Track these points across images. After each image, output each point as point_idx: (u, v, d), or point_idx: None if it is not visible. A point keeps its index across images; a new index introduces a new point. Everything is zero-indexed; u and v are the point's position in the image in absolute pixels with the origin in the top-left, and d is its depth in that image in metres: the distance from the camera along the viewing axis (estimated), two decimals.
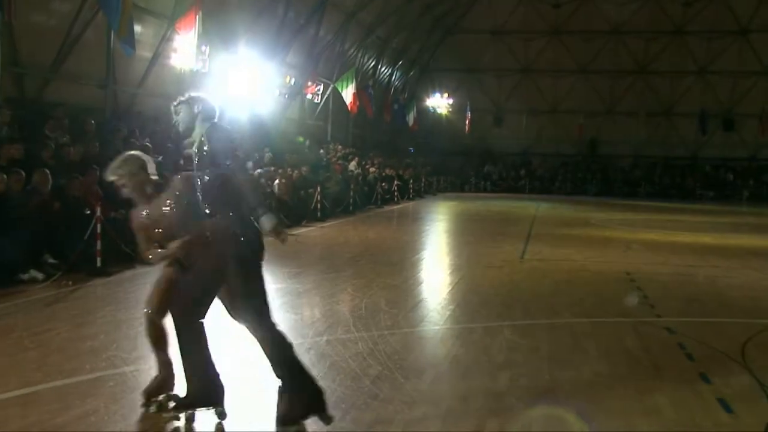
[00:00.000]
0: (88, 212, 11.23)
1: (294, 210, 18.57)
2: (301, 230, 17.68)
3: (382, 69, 37.47)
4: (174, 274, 5.31)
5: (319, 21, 27.72)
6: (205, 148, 4.92)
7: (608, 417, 5.59)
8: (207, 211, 4.97)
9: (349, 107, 29.73)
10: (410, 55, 39.91)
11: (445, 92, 40.78)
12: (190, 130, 5.08)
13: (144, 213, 5.37)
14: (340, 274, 12.02)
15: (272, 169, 19.82)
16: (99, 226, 10.99)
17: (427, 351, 7.69)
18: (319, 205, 20.19)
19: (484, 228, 21.00)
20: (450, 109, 41.03)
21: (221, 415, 5.14)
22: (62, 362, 6.29)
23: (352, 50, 32.32)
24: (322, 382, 6.15)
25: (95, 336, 7.26)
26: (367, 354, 7.08)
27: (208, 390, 5.06)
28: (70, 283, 10.13)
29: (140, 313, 8.44)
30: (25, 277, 10.08)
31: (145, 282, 10.59)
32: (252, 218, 5.05)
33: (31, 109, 15.52)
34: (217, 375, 5.12)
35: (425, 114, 41.24)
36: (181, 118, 5.10)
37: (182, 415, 5.13)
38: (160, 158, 16.22)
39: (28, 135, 13.53)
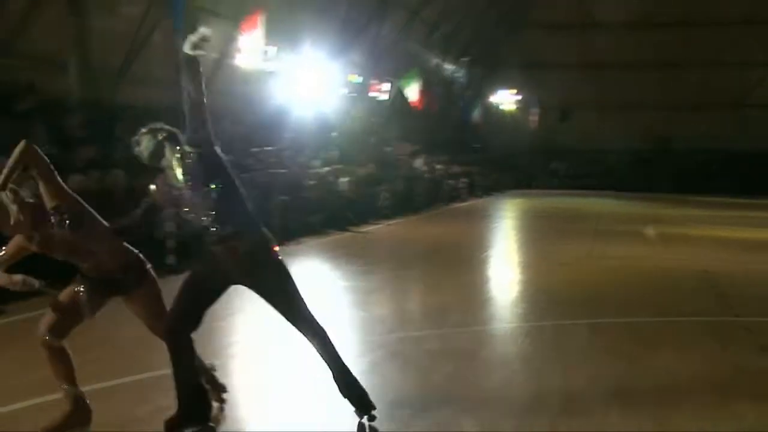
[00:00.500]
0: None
1: (361, 208, 18.54)
2: (368, 228, 17.66)
3: (447, 66, 37.25)
4: (75, 292, 4.82)
5: (382, 19, 27.68)
6: (193, 165, 4.59)
7: (686, 419, 5.38)
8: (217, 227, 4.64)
9: (414, 104, 29.62)
10: (475, 51, 39.61)
11: (511, 88, 40.37)
12: (157, 158, 4.71)
13: None
14: (408, 271, 11.95)
15: (339, 167, 19.84)
16: (169, 224, 11.11)
17: (499, 349, 7.57)
18: (386, 203, 20.15)
19: (552, 225, 20.69)
20: (516, 105, 40.61)
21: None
22: (144, 355, 6.34)
23: (416, 48, 32.20)
24: (392, 379, 6.12)
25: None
26: (439, 351, 6.98)
27: (199, 407, 4.82)
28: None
29: (217, 306, 8.57)
30: None
31: None
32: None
33: (104, 110, 15.80)
34: (206, 391, 4.93)
35: (491, 110, 40.88)
36: (144, 147, 4.71)
37: None
38: (227, 157, 16.36)
39: (100, 137, 13.76)
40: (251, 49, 20.04)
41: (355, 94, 26.41)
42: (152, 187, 4.80)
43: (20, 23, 13.97)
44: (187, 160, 4.60)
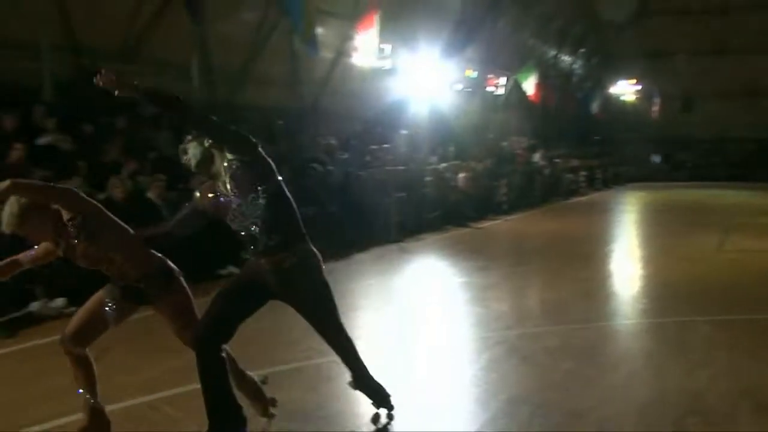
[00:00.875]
0: None
1: (480, 203, 18.47)
2: (486, 224, 17.58)
3: (564, 58, 36.63)
4: (101, 300, 4.78)
5: (498, 13, 27.45)
6: (239, 172, 4.43)
7: None
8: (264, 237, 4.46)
9: (531, 98, 29.28)
10: (592, 42, 38.78)
11: (631, 78, 39.33)
12: (205, 165, 4.55)
13: None
14: (527, 267, 11.85)
15: (457, 162, 19.82)
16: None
17: (619, 346, 7.42)
18: (504, 198, 20.01)
19: (676, 218, 20.04)
20: (636, 96, 39.54)
21: None
22: (260, 353, 6.53)
23: (531, 40, 31.80)
24: (511, 376, 6.11)
25: (292, 328, 7.47)
26: (558, 348, 6.91)
27: (229, 424, 4.63)
28: None
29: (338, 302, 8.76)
30: (224, 272, 10.56)
31: (335, 278, 10.91)
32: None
33: (224, 113, 16.29)
34: (238, 408, 4.66)
35: (610, 102, 39.94)
36: (192, 155, 4.54)
37: None
38: (345, 155, 16.66)
39: None
40: (367, 47, 20.26)
41: (471, 90, 26.29)
42: (196, 193, 4.70)
43: (145, 31, 14.58)
44: (233, 167, 4.42)
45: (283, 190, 4.54)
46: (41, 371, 6.31)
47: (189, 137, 4.58)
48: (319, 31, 17.94)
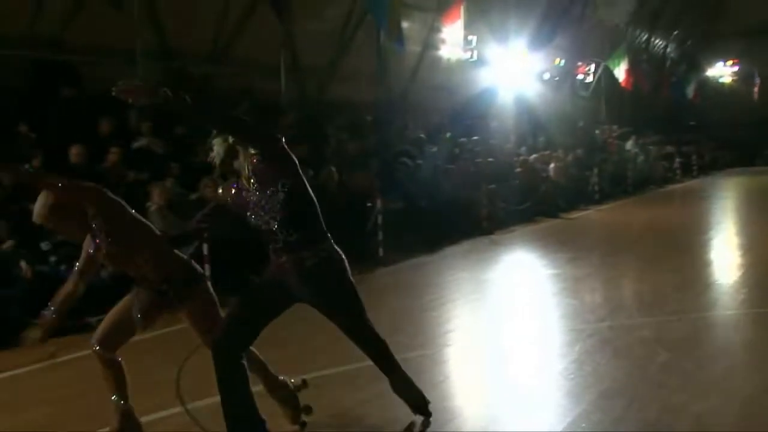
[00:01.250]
0: (369, 204, 11.74)
1: (571, 193, 18.19)
2: (578, 214, 17.30)
3: (656, 41, 35.70)
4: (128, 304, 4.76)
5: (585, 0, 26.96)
6: (260, 166, 4.34)
7: None
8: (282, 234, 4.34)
9: (622, 84, 28.65)
10: (686, 23, 37.66)
11: (729, 59, 38.02)
12: (229, 162, 4.43)
13: None
14: (620, 257, 11.60)
15: (546, 153, 19.57)
16: (380, 217, 11.45)
17: (719, 338, 7.19)
18: (596, 188, 19.65)
19: None
20: (735, 77, 38.21)
21: None
22: (349, 348, 6.58)
23: (621, 25, 31.09)
24: (604, 369, 5.99)
25: (379, 323, 7.45)
26: (653, 340, 6.74)
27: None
28: (355, 272, 10.60)
29: (421, 301, 8.79)
30: None
31: (425, 271, 10.97)
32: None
33: (312, 109, 16.50)
34: (259, 420, 4.50)
35: (706, 85, 38.73)
36: (216, 153, 4.43)
37: None
38: (434, 149, 16.64)
39: (311, 134, 14.38)
40: (453, 39, 20.19)
41: (559, 78, 25.91)
42: (219, 189, 4.68)
43: (234, 33, 14.87)
44: (255, 161, 4.33)
45: (305, 187, 4.43)
46: (137, 367, 6.49)
47: (214, 133, 4.48)
48: (405, 25, 17.97)
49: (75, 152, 9.47)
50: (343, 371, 6.13)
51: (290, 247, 4.33)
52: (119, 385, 4.76)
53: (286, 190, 4.30)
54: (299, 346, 6.90)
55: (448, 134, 16.57)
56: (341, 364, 6.24)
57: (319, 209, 4.47)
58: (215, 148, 4.43)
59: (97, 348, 4.71)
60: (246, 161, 4.37)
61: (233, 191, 4.46)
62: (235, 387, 4.39)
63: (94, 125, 10.84)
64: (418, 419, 4.86)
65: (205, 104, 4.25)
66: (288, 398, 4.88)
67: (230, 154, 4.40)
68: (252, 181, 4.35)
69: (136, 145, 11.05)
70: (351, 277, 4.55)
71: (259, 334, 4.50)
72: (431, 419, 4.83)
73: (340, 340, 6.77)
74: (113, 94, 3.96)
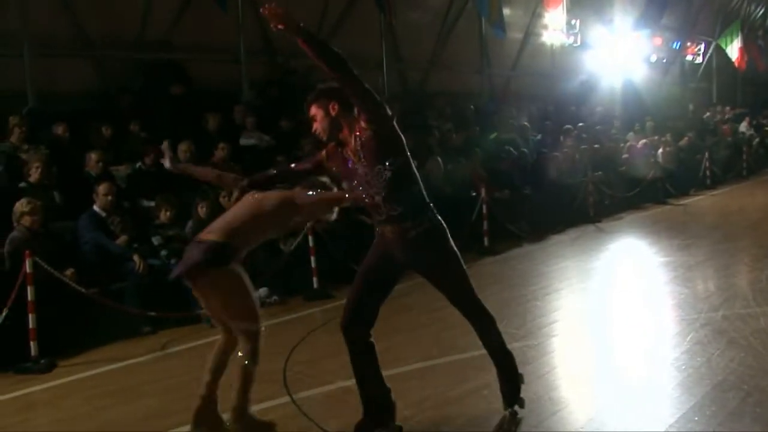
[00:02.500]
0: (474, 194, 11.67)
1: (681, 179, 17.62)
2: (689, 200, 16.75)
3: None
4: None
5: None
6: (371, 142, 4.37)
7: None
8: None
9: (736, 63, 27.55)
10: None
11: None
12: (335, 132, 4.50)
13: None
14: (735, 244, 11.17)
15: (655, 138, 19.00)
16: (485, 206, 11.37)
17: None
18: (708, 172, 18.98)
19: None
20: None
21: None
22: (457, 338, 6.56)
23: (735, 1, 29.89)
24: (718, 360, 5.78)
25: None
26: None
27: (385, 411, 4.63)
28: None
29: (527, 290, 8.69)
30: None
31: (531, 260, 10.84)
32: None
33: (415, 100, 16.49)
34: (390, 395, 4.65)
35: None
36: (321, 126, 4.52)
37: None
38: (539, 137, 16.40)
39: (414, 125, 14.38)
40: (556, 24, 19.88)
41: (667, 60, 25.12)
42: (324, 153, 4.69)
43: (335, 25, 15.00)
44: (365, 137, 4.39)
45: (411, 165, 4.50)
46: (262, 353, 6.64)
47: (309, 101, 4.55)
48: (506, 12, 17.78)
49: (183, 148, 9.74)
50: (450, 361, 6.11)
51: (393, 220, 4.44)
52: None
53: (393, 168, 4.38)
54: (407, 335, 6.92)
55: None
56: (447, 354, 6.24)
57: (421, 184, 4.57)
58: (318, 118, 4.50)
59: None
60: (352, 134, 4.45)
61: (340, 161, 4.54)
62: (368, 367, 4.59)
63: (202, 121, 11.14)
64: (509, 412, 4.86)
65: (344, 59, 4.26)
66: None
67: (336, 126, 4.49)
68: (360, 155, 4.42)
69: (243, 141, 11.29)
70: (453, 246, 4.60)
71: (379, 309, 4.60)
72: (520, 416, 4.83)
73: (446, 329, 6.82)
74: (260, 11, 4.18)
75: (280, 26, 4.15)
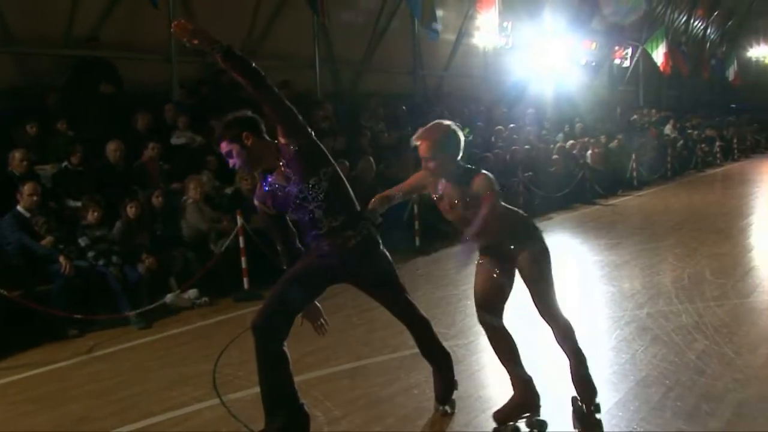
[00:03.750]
0: None
1: (608, 179, 17.98)
2: (617, 200, 17.11)
3: (695, 23, 35.15)
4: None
5: None
6: (297, 156, 4.35)
7: None
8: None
9: (661, 68, 28.27)
10: (726, 3, 37.01)
11: None
12: (257, 161, 4.46)
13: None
14: (660, 243, 11.45)
15: (584, 139, 19.37)
16: (416, 206, 11.43)
17: (760, 324, 7.04)
18: (635, 174, 19.42)
19: None
20: None
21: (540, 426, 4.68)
22: (387, 337, 6.59)
23: (660, 8, 30.66)
24: (642, 356, 5.93)
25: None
26: (692, 327, 6.65)
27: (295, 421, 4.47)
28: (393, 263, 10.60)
29: (458, 290, 8.75)
30: None
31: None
32: None
33: (348, 101, 16.51)
34: (299, 407, 4.49)
35: (748, 66, 38.03)
36: (241, 161, 4.42)
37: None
38: (470, 137, 16.55)
39: (346, 126, 14.40)
40: (488, 26, 20.09)
41: (596, 63, 25.62)
42: (256, 202, 4.62)
43: (267, 26, 14.92)
44: (287, 155, 4.33)
45: (339, 173, 4.48)
46: (174, 360, 6.58)
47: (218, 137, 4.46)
48: (439, 13, 17.90)
49: (112, 148, 9.57)
50: (381, 361, 6.14)
51: (334, 231, 4.42)
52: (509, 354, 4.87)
53: (327, 179, 4.37)
54: (337, 336, 6.91)
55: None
56: (378, 354, 6.26)
57: (350, 192, 4.55)
58: (234, 154, 4.38)
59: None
60: (275, 158, 4.38)
61: (266, 195, 4.47)
62: (276, 371, 4.36)
63: (131, 121, 10.95)
64: (439, 411, 4.94)
65: (262, 75, 4.23)
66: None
67: (255, 155, 4.38)
68: (290, 175, 4.35)
69: (174, 141, 11.13)
70: (384, 250, 4.64)
71: (295, 318, 4.47)
72: (450, 413, 4.91)
73: (377, 329, 6.85)
74: (171, 30, 4.12)
75: (193, 42, 4.10)
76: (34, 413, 5.42)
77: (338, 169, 4.50)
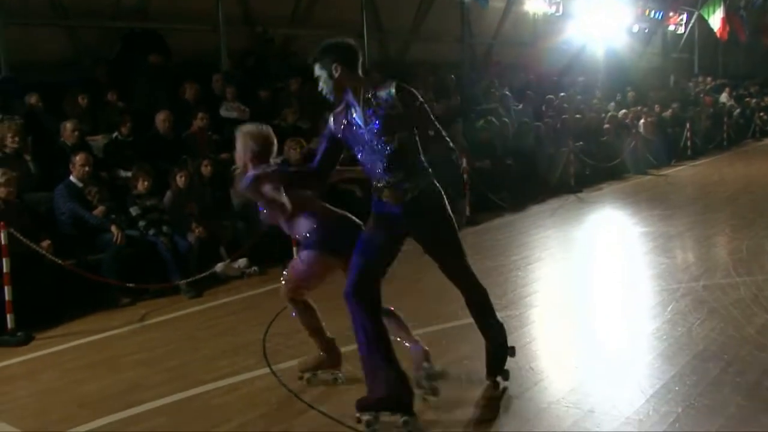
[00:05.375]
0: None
1: (662, 149, 17.62)
2: (670, 170, 16.78)
3: None
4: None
5: None
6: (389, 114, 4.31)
7: None
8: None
9: (717, 34, 27.50)
10: None
11: None
12: (340, 94, 4.45)
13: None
14: (715, 214, 11.20)
15: (638, 108, 18.99)
16: (466, 176, 11.30)
17: None
18: (689, 143, 19.00)
19: None
20: None
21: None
22: (437, 308, 6.53)
23: None
24: (699, 330, 5.79)
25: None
26: (751, 300, 6.48)
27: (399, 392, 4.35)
28: None
29: (508, 260, 8.67)
30: None
31: (512, 230, 10.82)
32: None
33: (396, 70, 16.36)
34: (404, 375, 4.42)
35: None
36: (326, 88, 4.44)
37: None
38: (519, 106, 16.33)
39: None
40: None
41: (648, 30, 25.04)
42: (331, 119, 4.61)
43: None
44: (383, 110, 4.31)
45: (415, 139, 4.43)
46: (224, 329, 6.61)
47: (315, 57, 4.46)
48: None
49: (161, 118, 9.61)
50: (431, 331, 6.07)
51: (391, 185, 4.41)
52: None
53: (399, 142, 4.35)
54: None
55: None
56: (429, 324, 6.19)
57: (422, 153, 4.50)
58: (322, 80, 4.43)
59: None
60: (360, 96, 4.37)
61: (346, 125, 4.46)
62: (376, 334, 4.36)
63: (179, 91, 10.98)
64: (491, 382, 4.88)
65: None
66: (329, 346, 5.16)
67: (340, 87, 4.40)
68: (372, 120, 4.35)
69: (223, 113, 11.13)
70: (449, 213, 4.54)
71: (383, 278, 4.46)
72: (502, 386, 4.86)
73: (427, 300, 6.80)
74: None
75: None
76: (88, 380, 5.48)
77: (416, 138, 4.43)
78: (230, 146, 9.82)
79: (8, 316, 6.47)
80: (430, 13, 17.75)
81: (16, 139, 8.07)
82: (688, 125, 19.06)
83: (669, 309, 6.41)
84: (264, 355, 5.77)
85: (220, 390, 5.12)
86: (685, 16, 27.67)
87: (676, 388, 4.69)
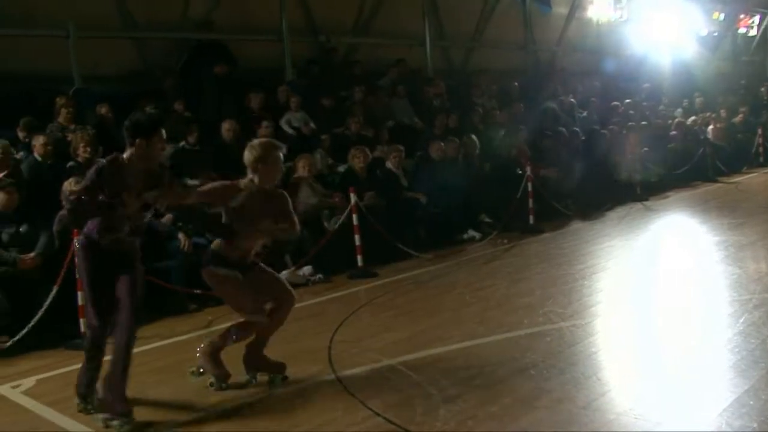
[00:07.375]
0: (520, 172, 11.52)
1: (732, 156, 17.23)
2: (741, 177, 16.39)
3: None
4: None
5: None
6: None
7: None
8: None
9: None
10: None
11: None
12: None
13: None
14: None
15: (706, 114, 18.60)
16: (530, 184, 11.22)
17: None
18: (761, 149, 18.52)
19: None
20: None
21: None
22: (501, 317, 6.50)
23: None
24: None
25: (531, 292, 7.38)
26: None
27: None
28: (505, 241, 10.49)
29: (573, 269, 8.57)
30: (464, 236, 10.66)
31: (577, 239, 10.69)
32: None
33: (459, 78, 16.34)
34: None
35: None
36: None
37: None
38: (584, 113, 16.16)
39: (458, 103, 14.26)
40: None
41: (717, 33, 24.52)
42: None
43: (378, 4, 14.89)
44: None
45: None
46: (289, 336, 6.65)
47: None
48: None
49: (227, 127, 9.75)
50: (496, 340, 6.03)
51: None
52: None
53: None
54: (451, 314, 6.86)
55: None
56: (493, 333, 6.14)
57: None
58: None
59: None
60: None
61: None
62: None
63: (245, 101, 11.13)
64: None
65: None
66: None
67: None
68: None
69: (286, 128, 11.24)
70: None
71: None
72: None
73: (490, 308, 6.75)
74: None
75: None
76: (159, 384, 5.59)
77: None
78: (295, 154, 10.01)
79: (81, 320, 6.62)
80: (492, 21, 17.68)
81: (88, 149, 8.27)
82: (759, 131, 18.59)
83: (741, 320, 6.24)
84: (329, 361, 5.79)
85: (286, 395, 5.17)
86: (757, 18, 27.03)
87: (751, 403, 4.55)
